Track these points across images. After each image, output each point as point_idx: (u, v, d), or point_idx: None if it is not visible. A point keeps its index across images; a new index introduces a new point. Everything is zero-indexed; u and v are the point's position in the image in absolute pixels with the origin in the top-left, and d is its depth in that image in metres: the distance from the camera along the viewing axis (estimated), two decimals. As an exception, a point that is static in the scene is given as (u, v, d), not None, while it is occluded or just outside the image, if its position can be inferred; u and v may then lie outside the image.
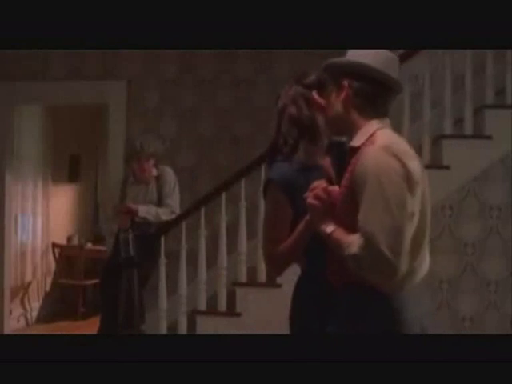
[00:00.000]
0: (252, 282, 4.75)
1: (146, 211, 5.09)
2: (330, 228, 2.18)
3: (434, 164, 4.64)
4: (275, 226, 2.46)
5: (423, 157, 4.63)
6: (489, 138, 4.57)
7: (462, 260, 4.58)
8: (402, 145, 2.19)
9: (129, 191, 5.21)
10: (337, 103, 2.25)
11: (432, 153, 4.65)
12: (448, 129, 4.68)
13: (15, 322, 7.12)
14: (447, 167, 4.57)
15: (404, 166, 2.10)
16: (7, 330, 6.36)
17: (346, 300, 2.20)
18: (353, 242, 2.10)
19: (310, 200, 2.23)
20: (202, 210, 4.86)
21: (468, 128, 4.64)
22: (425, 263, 2.27)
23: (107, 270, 5.21)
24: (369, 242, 2.05)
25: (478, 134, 4.65)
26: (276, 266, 2.53)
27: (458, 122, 4.76)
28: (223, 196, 4.81)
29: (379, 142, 2.15)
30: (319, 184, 2.24)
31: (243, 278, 4.77)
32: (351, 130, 2.24)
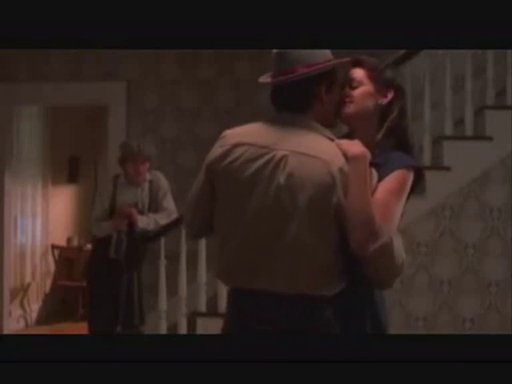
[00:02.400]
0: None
1: (146, 222, 4.90)
2: None
3: (435, 165, 4.64)
4: None
5: (424, 158, 4.63)
6: (489, 139, 4.57)
7: (462, 261, 4.57)
8: (229, 132, 2.30)
9: (119, 192, 5.05)
10: None
11: (433, 154, 4.65)
12: (448, 130, 4.68)
13: (15, 323, 7.12)
14: (448, 168, 4.57)
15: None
16: (7, 331, 6.36)
17: None
18: None
19: None
20: (202, 211, 4.83)
21: (468, 129, 4.64)
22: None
23: (92, 268, 5.10)
24: None
25: (479, 135, 4.65)
26: None
27: (459, 122, 4.76)
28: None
29: None
30: None
31: (243, 279, 4.75)
32: None
